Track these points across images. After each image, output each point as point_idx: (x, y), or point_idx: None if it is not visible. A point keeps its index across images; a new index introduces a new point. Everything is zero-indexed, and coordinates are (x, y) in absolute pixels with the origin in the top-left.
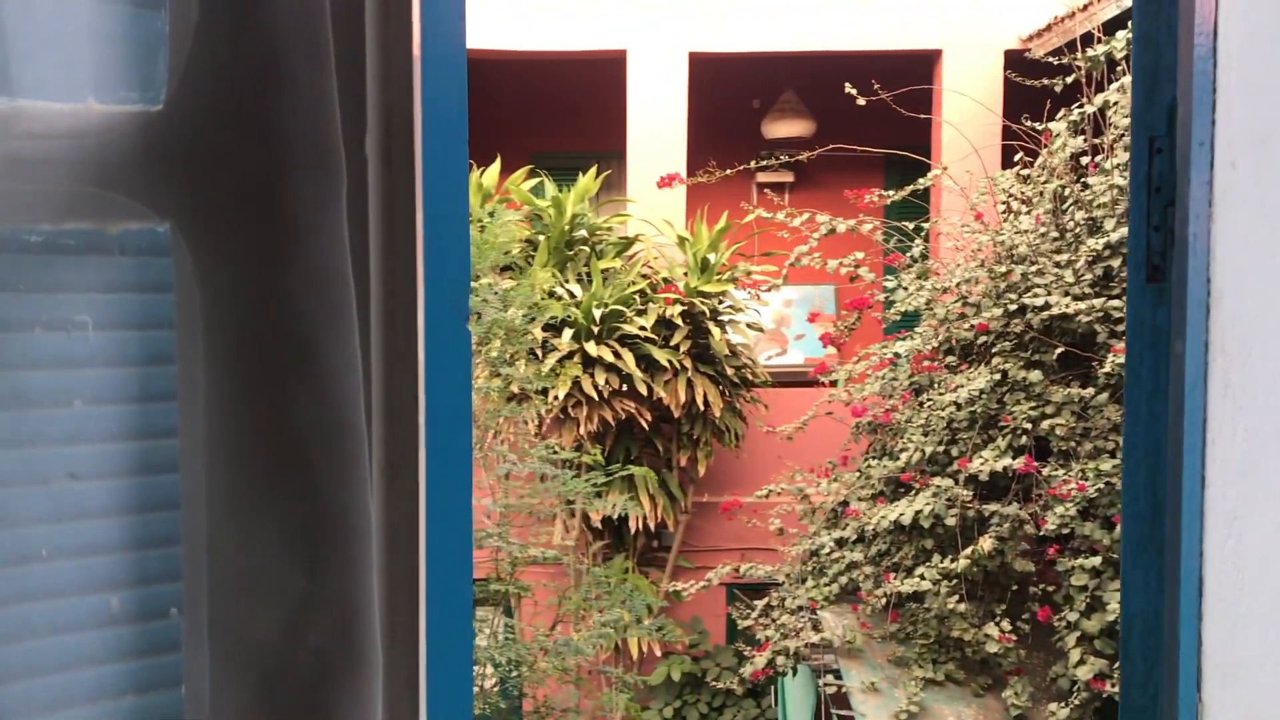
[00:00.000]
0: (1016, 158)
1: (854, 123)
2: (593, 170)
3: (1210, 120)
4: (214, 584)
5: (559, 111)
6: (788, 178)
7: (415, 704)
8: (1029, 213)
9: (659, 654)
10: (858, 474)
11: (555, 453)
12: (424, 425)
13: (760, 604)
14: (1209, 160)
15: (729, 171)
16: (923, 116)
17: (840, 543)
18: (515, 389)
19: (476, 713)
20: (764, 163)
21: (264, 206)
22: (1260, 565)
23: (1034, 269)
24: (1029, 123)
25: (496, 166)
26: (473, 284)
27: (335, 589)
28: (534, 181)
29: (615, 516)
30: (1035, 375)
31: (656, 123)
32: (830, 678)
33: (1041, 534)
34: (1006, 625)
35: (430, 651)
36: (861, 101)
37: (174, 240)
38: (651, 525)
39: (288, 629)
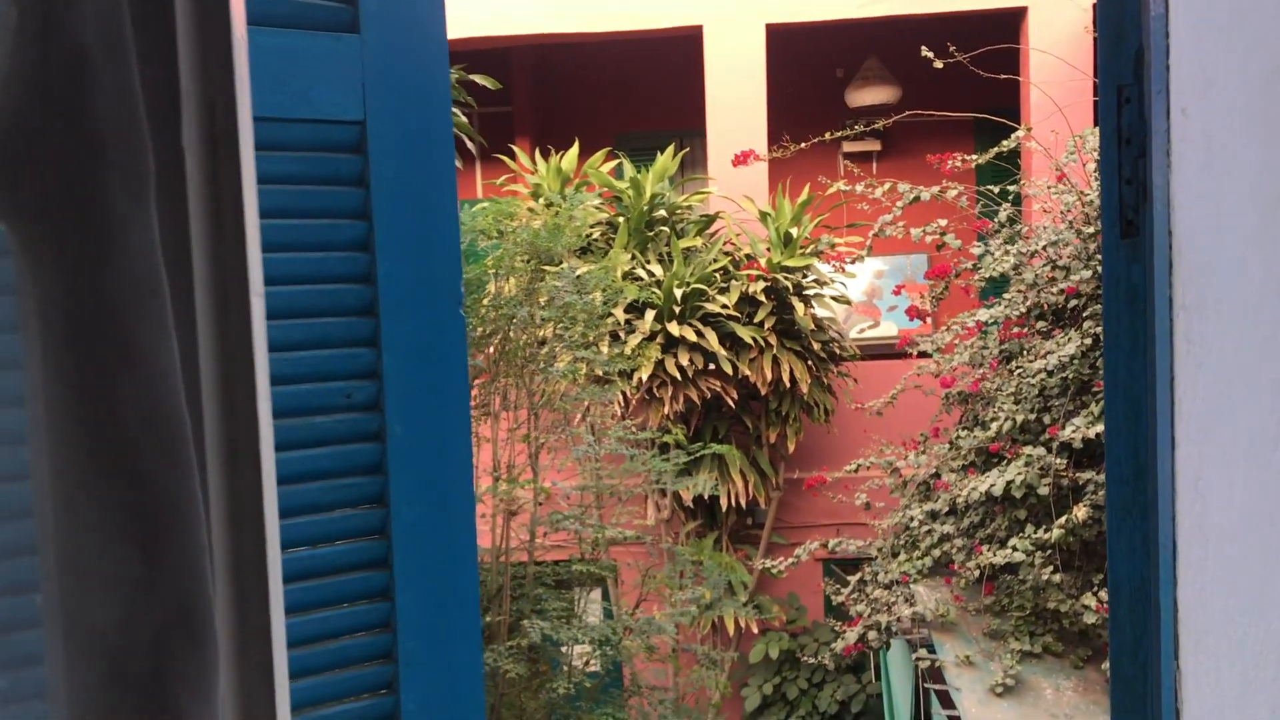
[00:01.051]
0: None
1: (941, 87)
2: (670, 149)
3: (1165, 66)
4: (60, 574)
5: (639, 92)
6: (874, 146)
7: (269, 683)
8: None
9: (756, 631)
10: (948, 445)
11: (634, 433)
12: (262, 413)
13: (854, 579)
14: (1165, 108)
15: (803, 145)
16: (1010, 77)
17: (932, 515)
18: (599, 372)
19: (568, 688)
20: (846, 132)
21: (80, 205)
22: (1219, 528)
23: None
24: None
25: (575, 150)
26: (551, 267)
27: (171, 573)
28: (614, 163)
29: (706, 495)
30: None
31: (735, 98)
32: (924, 652)
33: None
34: (1105, 595)
35: (427, 635)
36: (939, 64)
37: (8, 241)
38: (743, 503)
39: (128, 614)
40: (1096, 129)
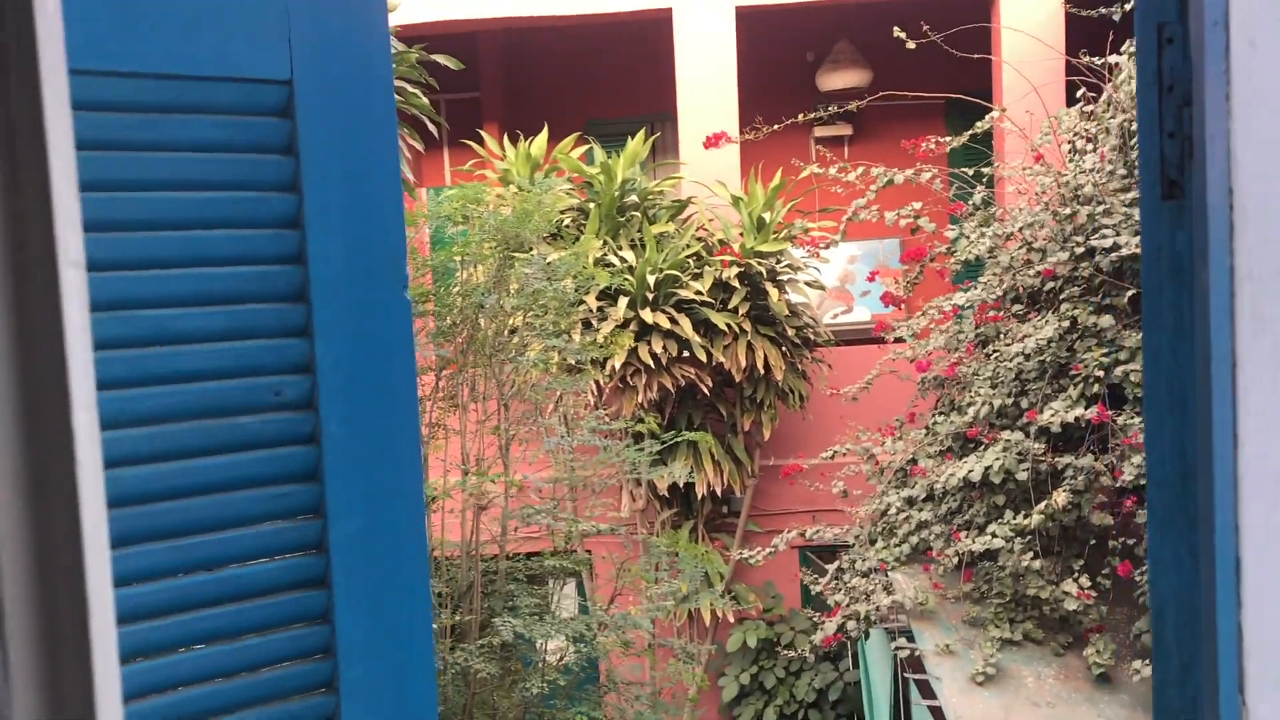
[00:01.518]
0: (1080, 94)
1: (912, 70)
2: (641, 133)
3: None
4: None
5: (609, 76)
6: (846, 130)
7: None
8: (1094, 151)
9: (733, 620)
10: (925, 431)
11: (608, 423)
12: (80, 421)
13: (832, 568)
14: (1224, 43)
15: (777, 126)
16: (982, 57)
17: (909, 502)
18: (571, 361)
19: (542, 686)
20: (818, 115)
21: None
22: None
23: (1101, 209)
24: (1090, 58)
25: (544, 135)
26: (521, 254)
27: None
28: (584, 148)
29: (681, 484)
30: (1106, 320)
31: (706, 82)
32: (903, 641)
33: (1119, 485)
34: (1086, 581)
35: (373, 662)
36: (912, 45)
37: None
38: (719, 491)
39: None
40: (1073, 109)
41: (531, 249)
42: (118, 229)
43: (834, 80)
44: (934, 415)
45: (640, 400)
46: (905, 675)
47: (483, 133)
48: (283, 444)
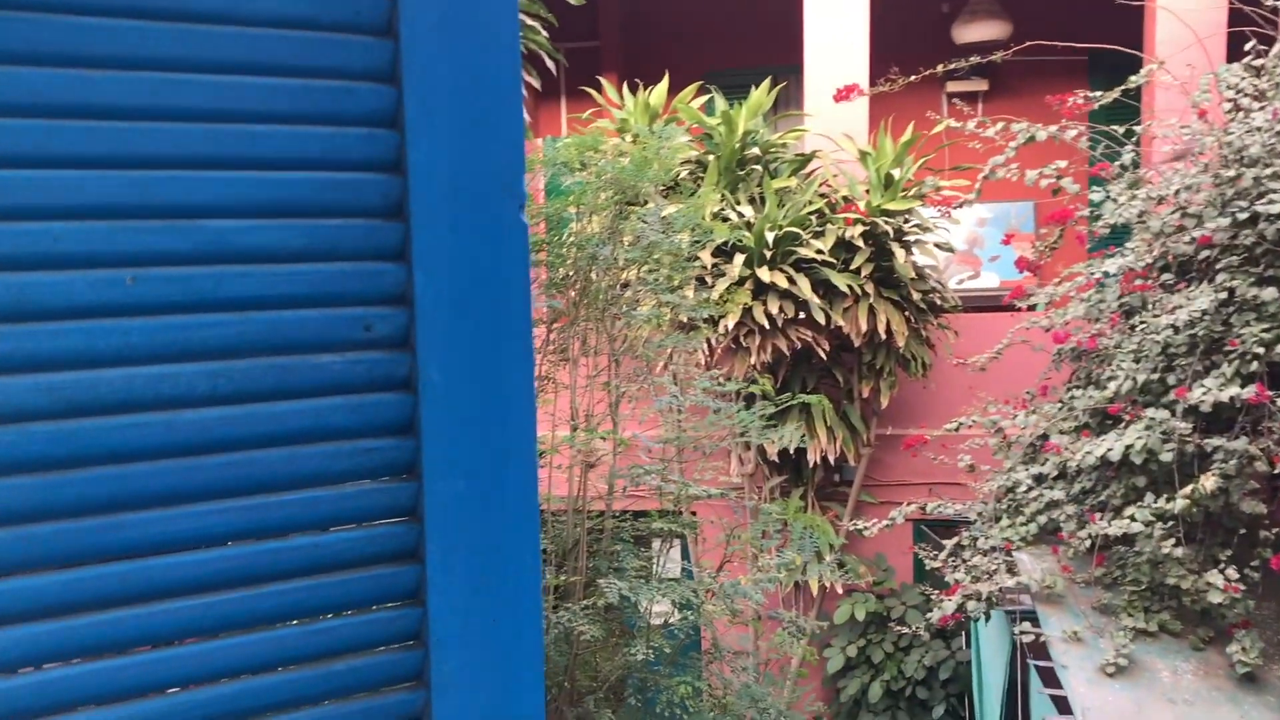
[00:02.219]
0: (1248, 46)
1: (1055, 22)
2: (765, 83)
3: None
4: None
5: (732, 27)
6: (981, 86)
7: None
8: (1263, 108)
9: (840, 591)
10: (1059, 405)
11: (720, 384)
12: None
13: (950, 543)
14: None
15: (914, 78)
16: (1135, 3)
17: (1039, 479)
18: (683, 318)
19: (646, 652)
20: (954, 65)
21: None
22: None
23: (1269, 172)
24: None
25: (664, 85)
26: (636, 206)
27: None
28: (705, 98)
29: (792, 450)
30: (1269, 293)
31: (835, 31)
32: (1027, 625)
33: (1275, 472)
34: (1233, 573)
35: (470, 652)
36: None
37: None
38: (831, 459)
39: None
40: (1237, 64)
41: (647, 201)
42: (166, 118)
43: (971, 32)
44: (1069, 389)
45: (753, 362)
46: (1028, 661)
47: (602, 79)
48: (372, 389)
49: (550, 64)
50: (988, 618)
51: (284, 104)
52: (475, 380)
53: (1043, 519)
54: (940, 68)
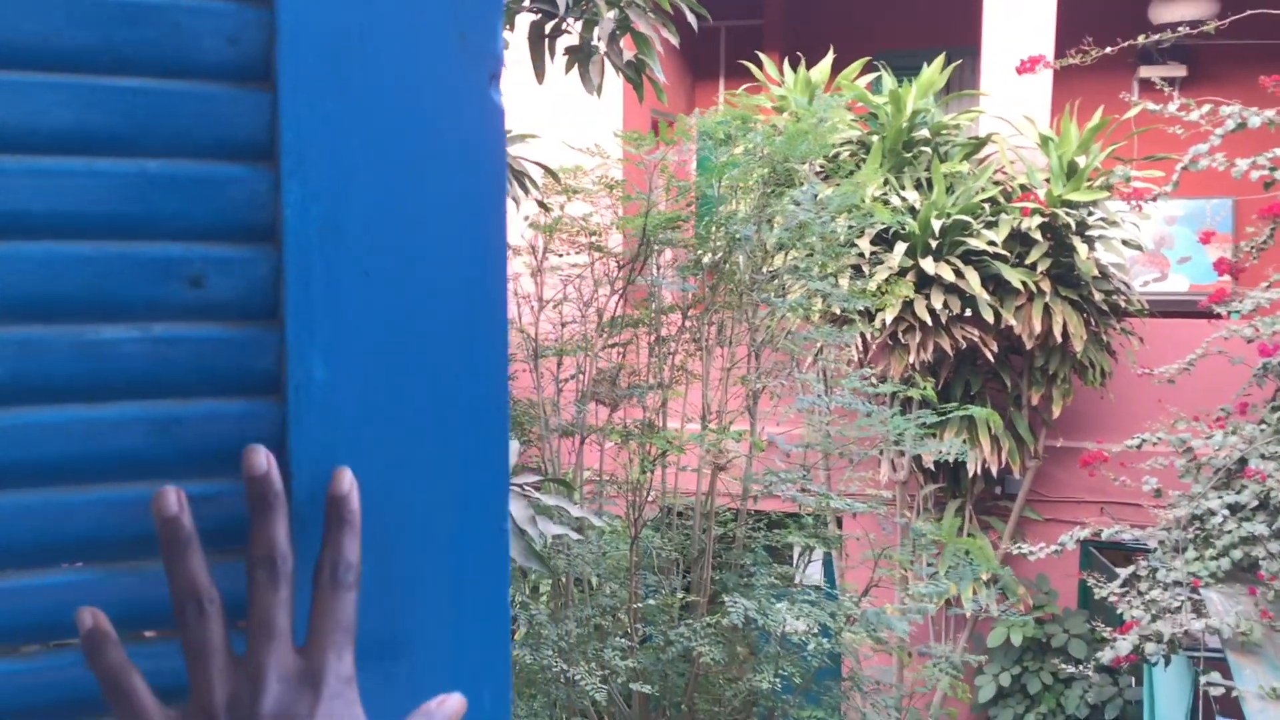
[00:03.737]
0: None
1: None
2: (939, 60)
3: None
4: None
5: (905, 2)
6: (1178, 71)
7: None
8: None
9: (996, 614)
10: (1261, 426)
11: (873, 385)
12: None
13: (1125, 572)
14: None
15: (1109, 50)
16: None
17: (1234, 509)
18: (835, 309)
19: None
20: (1157, 38)
21: None
22: None
23: None
24: None
25: (827, 61)
26: (788, 188)
27: None
28: (871, 77)
29: (951, 458)
30: None
31: (1018, 6)
32: (1216, 675)
33: None
34: None
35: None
36: None
37: None
38: (994, 470)
39: None
40: None
41: (801, 184)
42: None
43: (1169, 11)
44: (1274, 408)
45: (912, 361)
46: (1214, 716)
47: (761, 55)
48: (196, 393)
49: (691, 18)
50: (1168, 661)
51: None
52: (390, 379)
53: (1238, 554)
54: (1141, 39)
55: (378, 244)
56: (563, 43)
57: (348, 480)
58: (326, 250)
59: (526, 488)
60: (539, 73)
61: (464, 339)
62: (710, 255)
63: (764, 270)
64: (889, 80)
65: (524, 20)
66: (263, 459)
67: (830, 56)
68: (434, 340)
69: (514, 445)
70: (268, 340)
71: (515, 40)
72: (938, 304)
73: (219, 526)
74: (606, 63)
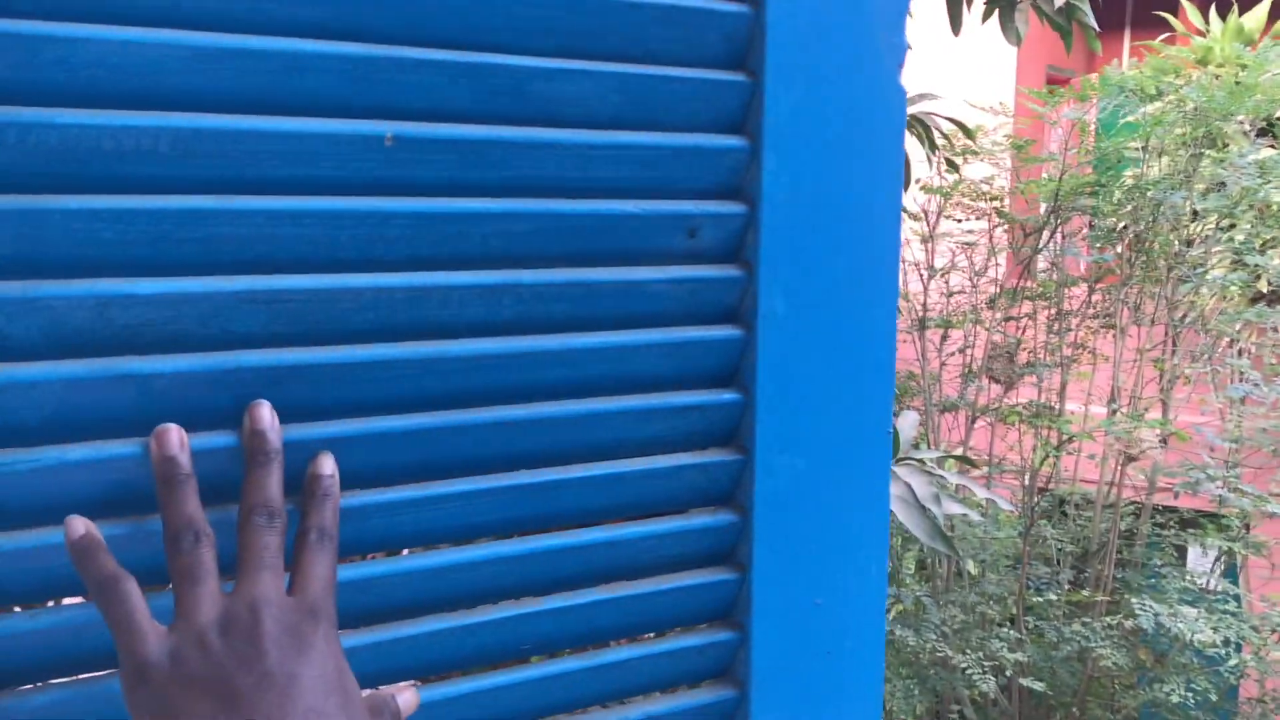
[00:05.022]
0: None
1: None
2: None
3: None
4: None
5: None
6: None
7: None
8: None
9: None
10: None
11: None
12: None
13: None
14: None
15: None
16: None
17: None
18: (1265, 286)
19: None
20: None
21: None
22: None
23: None
24: None
25: (1265, 5)
26: (1214, 150)
27: None
28: None
29: None
30: None
31: None
32: None
33: None
34: None
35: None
36: None
37: None
38: None
39: None
40: None
41: (1227, 144)
42: None
43: None
44: None
45: None
46: None
47: (1184, 2)
48: (693, 320)
49: None
50: None
51: None
52: (828, 315)
53: None
54: None
55: (823, 206)
56: None
57: (330, 464)
58: (791, 209)
59: (930, 463)
60: (955, 25)
61: (869, 294)
62: (1123, 223)
63: (1185, 241)
64: None
65: None
66: (267, 413)
67: (1269, 1)
68: (852, 286)
69: (913, 417)
70: (742, 280)
71: None
72: None
73: (688, 436)
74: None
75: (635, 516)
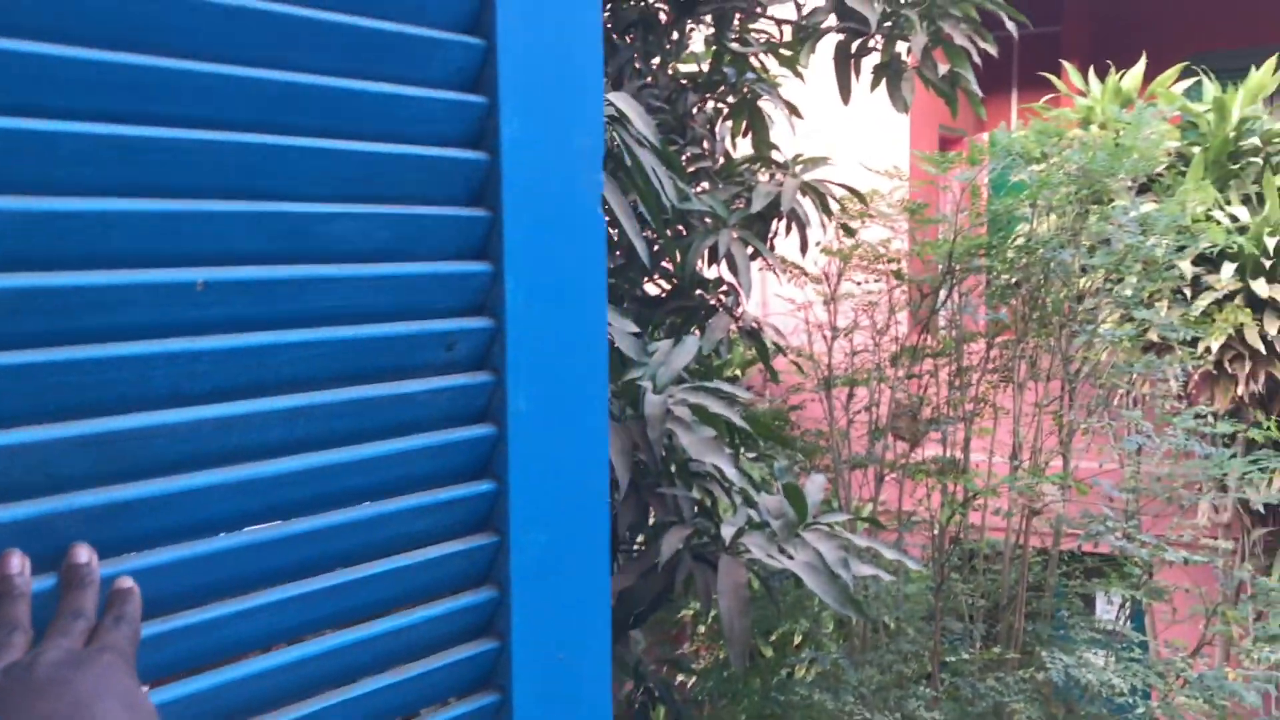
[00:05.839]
0: None
1: None
2: (1270, 63)
3: None
4: None
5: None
6: None
7: None
8: None
9: None
10: None
11: (1208, 423)
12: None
13: None
14: None
15: None
16: None
17: None
18: (1154, 337)
19: None
20: None
21: None
22: None
23: None
24: None
25: (1139, 68)
26: (1099, 206)
27: None
28: (1189, 83)
29: None
30: None
31: None
32: None
33: None
34: None
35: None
36: None
37: None
38: None
39: None
40: None
41: (1111, 200)
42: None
43: None
44: None
45: (1240, 393)
46: None
47: (1065, 63)
48: (453, 423)
49: (1011, 25)
50: None
51: (358, 61)
52: (559, 409)
53: None
54: None
55: (551, 316)
56: (868, 62)
57: (85, 552)
58: (528, 321)
59: (837, 527)
60: (844, 93)
61: (589, 389)
62: (1015, 280)
63: (1078, 297)
64: (1211, 86)
65: (827, 44)
66: (84, 551)
67: (1143, 62)
68: (577, 382)
69: (819, 480)
70: (491, 384)
71: (820, 62)
72: (1272, 330)
73: (452, 526)
74: (916, 78)
75: (416, 603)
